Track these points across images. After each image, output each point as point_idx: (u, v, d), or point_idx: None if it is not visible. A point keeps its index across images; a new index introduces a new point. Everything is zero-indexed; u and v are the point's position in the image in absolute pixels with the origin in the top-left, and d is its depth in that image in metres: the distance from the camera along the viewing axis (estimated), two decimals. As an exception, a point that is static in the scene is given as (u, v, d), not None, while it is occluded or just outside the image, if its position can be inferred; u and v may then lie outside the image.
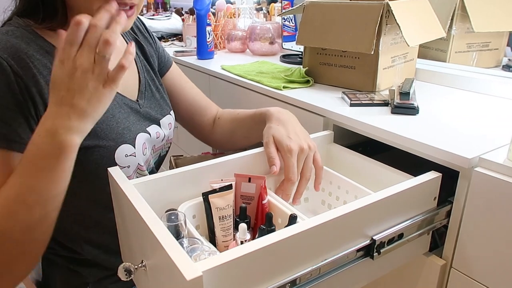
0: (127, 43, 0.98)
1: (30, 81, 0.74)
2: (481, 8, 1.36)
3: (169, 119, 1.03)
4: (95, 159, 0.82)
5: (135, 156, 0.88)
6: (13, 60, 0.73)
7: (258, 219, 0.83)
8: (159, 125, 0.99)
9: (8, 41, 0.75)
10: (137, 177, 0.88)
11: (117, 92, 0.88)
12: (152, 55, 1.07)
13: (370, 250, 0.73)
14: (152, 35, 1.11)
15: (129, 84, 0.95)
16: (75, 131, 0.66)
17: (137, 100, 0.95)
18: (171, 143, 1.07)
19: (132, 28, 1.06)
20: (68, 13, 0.80)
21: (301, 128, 0.92)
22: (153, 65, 1.06)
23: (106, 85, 0.66)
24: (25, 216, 0.68)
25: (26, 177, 0.67)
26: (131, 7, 0.78)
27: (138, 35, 1.06)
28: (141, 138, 0.91)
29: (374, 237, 0.72)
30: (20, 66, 0.73)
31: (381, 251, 0.74)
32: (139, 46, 1.05)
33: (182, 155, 1.10)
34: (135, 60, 1.00)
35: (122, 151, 0.86)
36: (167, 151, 1.08)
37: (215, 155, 1.09)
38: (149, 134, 0.94)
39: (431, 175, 0.80)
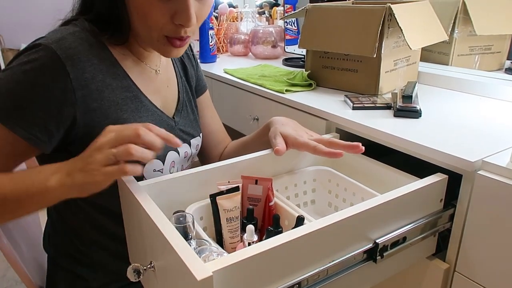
0: (173, 63, 1.02)
1: (79, 85, 0.76)
2: (483, 11, 1.37)
3: (197, 141, 1.04)
4: None
5: (162, 172, 0.90)
6: (70, 61, 0.75)
7: (265, 221, 0.84)
8: (189, 144, 1.00)
9: (73, 42, 0.77)
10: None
11: (158, 108, 0.91)
12: (192, 76, 1.09)
13: (373, 254, 0.73)
14: (196, 57, 1.13)
15: (169, 101, 0.98)
16: (60, 179, 0.70)
17: (173, 117, 0.97)
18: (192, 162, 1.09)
19: None
20: (131, 35, 0.84)
21: (306, 129, 0.94)
22: (192, 86, 1.08)
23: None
24: None
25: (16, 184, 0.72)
26: (187, 37, 0.82)
27: (183, 56, 1.08)
28: (171, 156, 0.92)
29: (377, 241, 0.72)
30: (74, 67, 0.76)
31: (384, 254, 0.74)
32: (183, 66, 1.07)
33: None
34: (176, 78, 1.02)
35: (151, 166, 0.87)
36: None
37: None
38: (179, 154, 0.95)
39: (437, 177, 0.80)
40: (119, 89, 0.83)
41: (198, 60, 1.15)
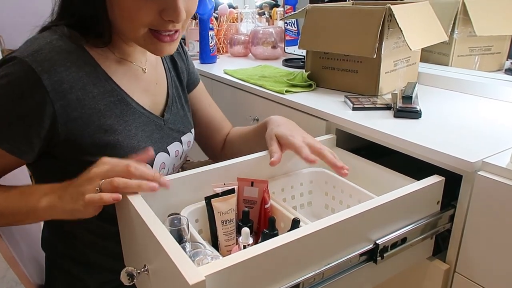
0: (162, 59, 1.01)
1: (57, 96, 0.76)
2: (483, 12, 1.37)
3: (189, 137, 1.04)
4: None
5: None
6: (46, 74, 0.74)
7: (260, 223, 0.83)
8: (181, 142, 1.00)
9: (49, 52, 0.76)
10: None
11: (145, 109, 0.91)
12: (183, 71, 1.09)
13: (373, 255, 0.72)
14: (186, 51, 1.13)
15: (158, 98, 0.97)
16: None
17: (163, 115, 0.96)
18: (185, 160, 1.08)
19: None
20: (113, 34, 0.83)
21: (303, 130, 0.92)
22: (182, 81, 1.08)
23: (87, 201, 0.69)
24: None
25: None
26: (175, 31, 0.81)
27: None
28: (160, 157, 0.92)
29: (377, 242, 0.72)
30: (51, 80, 0.75)
31: (384, 255, 0.73)
32: (172, 62, 1.06)
33: (189, 160, 1.10)
34: (166, 74, 1.02)
35: None
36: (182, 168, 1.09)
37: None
38: (169, 154, 0.95)
39: (434, 179, 0.79)
40: (101, 95, 0.82)
41: (188, 54, 1.14)
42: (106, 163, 0.72)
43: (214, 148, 1.18)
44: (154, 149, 0.90)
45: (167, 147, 0.94)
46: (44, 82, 0.74)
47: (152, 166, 0.89)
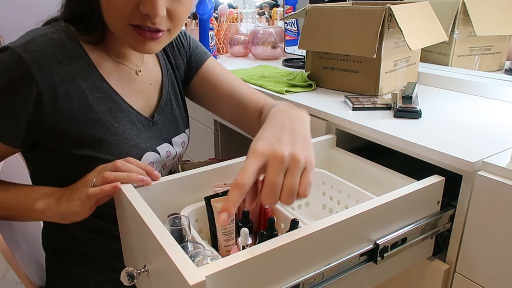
0: (158, 57, 1.00)
1: (46, 87, 0.76)
2: (483, 12, 1.37)
3: (182, 138, 1.02)
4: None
5: None
6: (36, 63, 0.75)
7: (260, 224, 0.83)
8: (171, 143, 0.98)
9: (40, 44, 0.76)
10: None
11: (134, 109, 0.90)
12: (180, 67, 1.05)
13: (373, 255, 0.72)
14: (187, 37, 1.09)
15: (151, 99, 0.96)
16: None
17: (153, 117, 0.95)
18: (182, 160, 1.07)
19: None
20: (106, 30, 0.83)
21: (304, 136, 0.69)
22: (179, 80, 1.05)
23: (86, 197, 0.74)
24: None
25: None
26: (158, 31, 0.79)
27: (168, 47, 1.04)
28: (148, 156, 0.91)
29: (377, 242, 0.72)
30: (41, 70, 0.75)
31: (385, 255, 0.73)
32: (168, 58, 1.03)
33: (188, 161, 1.09)
34: (161, 74, 1.00)
35: None
36: (177, 167, 1.07)
37: (222, 161, 1.08)
38: (159, 154, 0.94)
39: (434, 179, 0.79)
40: (90, 90, 0.82)
41: (191, 40, 1.09)
42: (98, 168, 0.77)
43: (247, 125, 1.05)
44: (142, 148, 0.90)
45: (157, 147, 0.93)
46: (33, 71, 0.75)
47: None
